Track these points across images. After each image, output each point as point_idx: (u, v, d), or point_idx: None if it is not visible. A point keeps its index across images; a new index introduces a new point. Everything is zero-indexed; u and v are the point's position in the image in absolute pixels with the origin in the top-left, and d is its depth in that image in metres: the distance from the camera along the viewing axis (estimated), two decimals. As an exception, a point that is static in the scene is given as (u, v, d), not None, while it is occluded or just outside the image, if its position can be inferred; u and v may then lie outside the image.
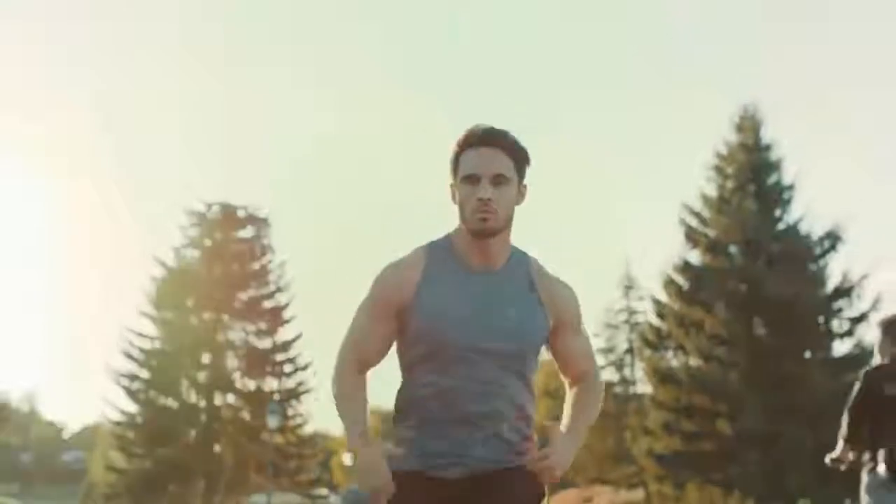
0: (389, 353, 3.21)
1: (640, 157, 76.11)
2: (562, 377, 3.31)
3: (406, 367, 3.16)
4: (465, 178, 3.08)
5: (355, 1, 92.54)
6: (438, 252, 3.15)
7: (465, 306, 3.05)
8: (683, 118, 74.31)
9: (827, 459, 6.22)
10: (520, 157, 3.11)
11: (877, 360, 6.18)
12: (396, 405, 3.20)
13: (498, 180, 3.05)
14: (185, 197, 51.56)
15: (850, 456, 6.05)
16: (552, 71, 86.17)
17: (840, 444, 6.09)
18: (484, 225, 3.05)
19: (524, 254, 3.20)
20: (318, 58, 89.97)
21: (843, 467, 6.10)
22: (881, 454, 5.80)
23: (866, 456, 5.93)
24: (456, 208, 3.15)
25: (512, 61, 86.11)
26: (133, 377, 36.61)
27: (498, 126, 3.15)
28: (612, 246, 73.14)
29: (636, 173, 76.40)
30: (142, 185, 79.12)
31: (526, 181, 3.17)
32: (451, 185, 3.15)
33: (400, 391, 3.20)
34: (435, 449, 3.09)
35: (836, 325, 30.16)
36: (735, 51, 76.42)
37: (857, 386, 6.04)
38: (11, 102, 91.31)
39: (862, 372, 6.10)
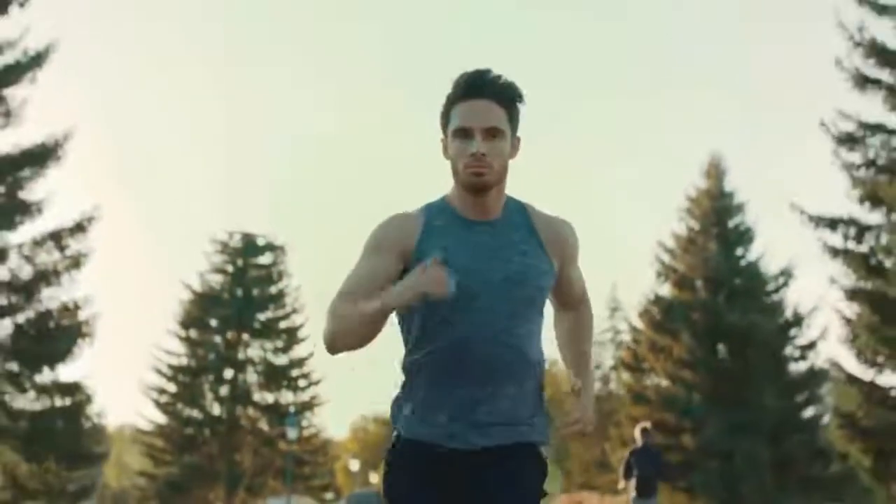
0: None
1: (635, 169, 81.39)
2: (552, 302, 3.41)
3: (408, 327, 3.17)
4: (456, 132, 3.08)
5: (355, 1, 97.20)
6: (436, 209, 3.18)
7: (469, 254, 3.09)
8: (682, 122, 79.69)
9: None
10: (512, 105, 3.12)
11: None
12: (403, 373, 3.22)
13: (491, 133, 3.06)
14: (209, 227, 57.23)
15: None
16: (552, 71, 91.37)
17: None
18: (478, 180, 3.06)
19: (519, 201, 3.24)
20: (318, 58, 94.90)
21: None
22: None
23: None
24: (447, 163, 3.13)
25: (512, 61, 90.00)
26: (161, 391, 42.16)
27: (489, 73, 3.12)
28: (601, 262, 78.63)
29: (631, 182, 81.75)
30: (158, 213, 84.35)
31: (519, 133, 3.16)
32: (442, 140, 3.16)
33: (405, 357, 3.21)
34: (441, 412, 3.11)
35: (789, 351, 36.05)
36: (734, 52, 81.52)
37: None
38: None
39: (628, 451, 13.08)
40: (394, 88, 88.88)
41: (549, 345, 3.32)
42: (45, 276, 22.01)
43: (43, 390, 22.29)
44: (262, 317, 43.25)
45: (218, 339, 42.79)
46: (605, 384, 45.78)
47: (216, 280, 43.49)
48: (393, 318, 3.11)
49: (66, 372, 22.90)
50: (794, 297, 39.83)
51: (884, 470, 20.55)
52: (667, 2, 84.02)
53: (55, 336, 22.10)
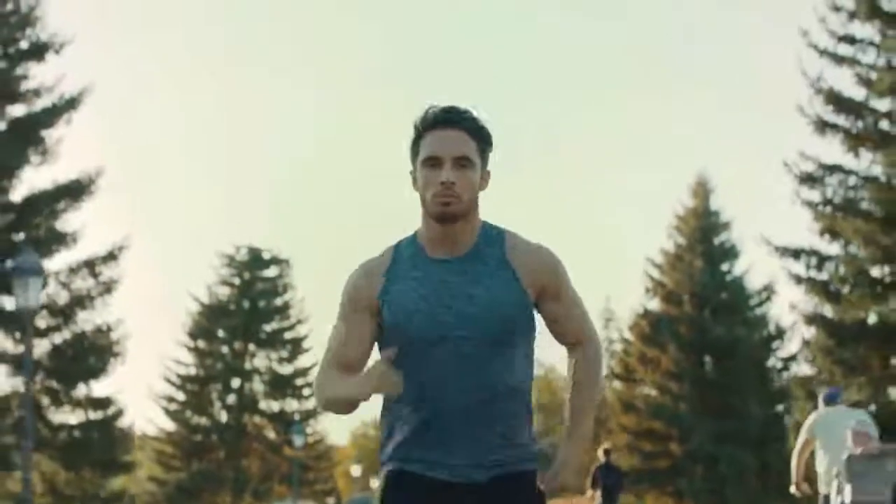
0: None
1: (636, 176, 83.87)
2: (556, 340, 3.29)
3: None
4: (425, 161, 3.07)
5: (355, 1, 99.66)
6: (404, 247, 3.16)
7: (428, 296, 3.07)
8: (684, 128, 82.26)
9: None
10: (483, 140, 3.12)
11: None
12: (380, 415, 3.25)
13: (461, 163, 3.05)
14: (215, 240, 60.05)
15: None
16: (553, 70, 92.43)
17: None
18: (446, 209, 3.04)
19: (498, 230, 3.19)
20: (319, 58, 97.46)
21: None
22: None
23: None
24: (416, 196, 3.13)
25: (512, 61, 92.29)
26: (171, 399, 44.64)
27: (460, 106, 3.14)
28: (598, 272, 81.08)
29: (631, 190, 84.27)
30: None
31: (489, 167, 3.16)
32: (411, 172, 3.15)
33: (383, 401, 3.21)
34: (418, 453, 3.11)
35: (772, 362, 38.80)
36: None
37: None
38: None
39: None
40: (395, 93, 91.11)
41: (545, 350, 3.26)
42: (81, 301, 24.75)
43: (78, 405, 25.04)
44: (267, 328, 45.81)
45: (225, 349, 45.34)
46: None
47: (224, 292, 45.99)
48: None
49: (99, 388, 25.47)
50: (777, 312, 42.55)
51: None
52: (667, 3, 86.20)
53: (89, 355, 24.83)
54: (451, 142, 3.06)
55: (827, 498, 9.78)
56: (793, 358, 38.29)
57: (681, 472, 37.32)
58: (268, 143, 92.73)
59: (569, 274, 3.22)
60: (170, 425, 44.63)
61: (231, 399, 45.07)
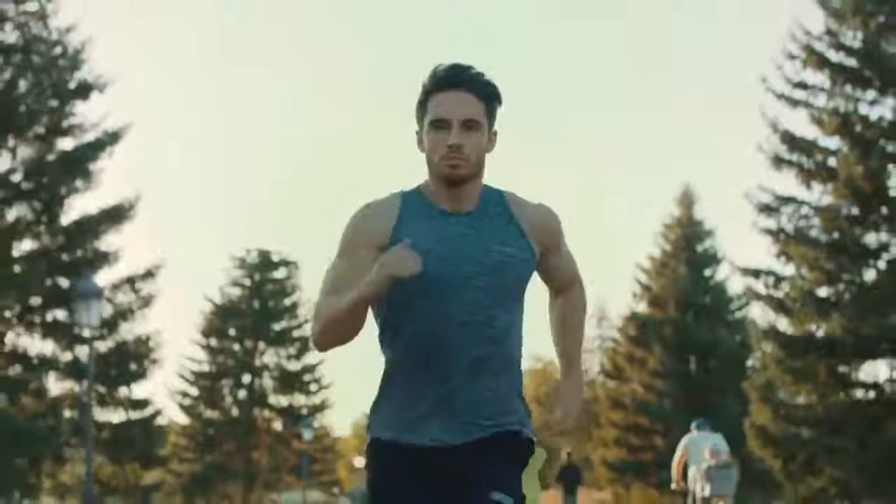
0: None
1: (634, 174, 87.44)
2: (548, 288, 3.46)
3: (385, 318, 3.22)
4: (433, 123, 3.14)
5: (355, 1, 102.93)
6: (412, 197, 3.23)
7: (445, 244, 3.14)
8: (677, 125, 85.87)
9: None
10: (491, 101, 3.19)
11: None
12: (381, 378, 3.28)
13: (468, 125, 3.11)
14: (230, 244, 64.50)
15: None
16: (553, 70, 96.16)
17: None
18: (454, 172, 3.12)
19: (497, 190, 3.28)
20: (319, 58, 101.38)
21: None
22: None
23: None
24: (423, 157, 3.20)
25: (512, 61, 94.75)
26: (185, 394, 47.89)
27: (468, 66, 3.20)
28: (592, 270, 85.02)
29: (628, 188, 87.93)
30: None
31: (496, 128, 3.22)
32: (418, 132, 3.22)
33: (384, 360, 3.26)
34: (415, 410, 3.17)
35: (751, 363, 42.86)
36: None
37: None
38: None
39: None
40: (397, 94, 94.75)
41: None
42: (123, 314, 28.86)
43: (121, 405, 29.22)
44: (276, 326, 49.30)
45: (237, 347, 48.91)
46: (592, 390, 52.32)
47: (235, 293, 49.59)
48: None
49: (138, 390, 29.74)
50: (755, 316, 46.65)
51: (789, 470, 27.33)
52: (667, 3, 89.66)
53: (130, 362, 28.99)
54: (459, 104, 3.12)
55: (694, 493, 15.07)
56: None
57: (665, 465, 41.32)
58: (271, 150, 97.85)
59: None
60: (184, 419, 48.03)
61: (242, 394, 48.61)
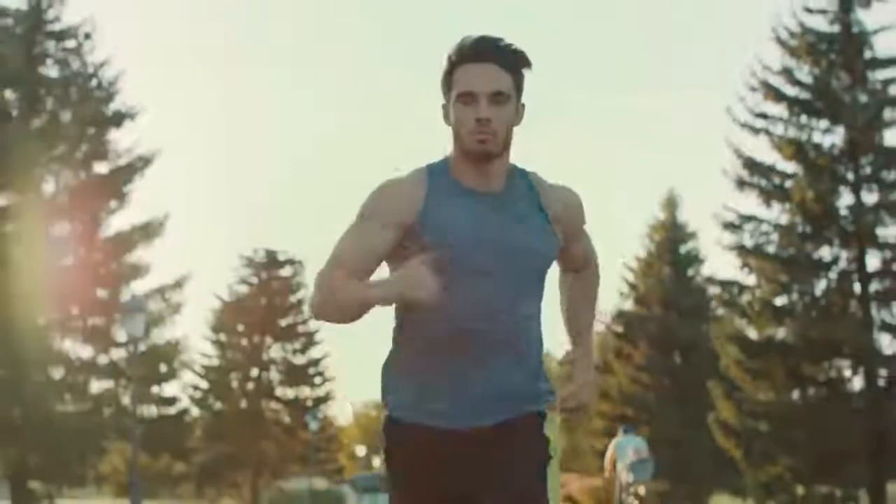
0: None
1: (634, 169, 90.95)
2: (559, 266, 3.53)
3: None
4: (460, 97, 3.17)
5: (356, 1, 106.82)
6: (439, 174, 3.26)
7: (476, 225, 3.18)
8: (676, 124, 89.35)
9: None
10: (518, 71, 3.23)
11: None
12: (394, 345, 3.35)
13: (496, 98, 3.15)
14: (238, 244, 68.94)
15: None
16: (553, 71, 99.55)
17: None
18: (483, 147, 3.15)
19: (523, 170, 3.35)
20: (318, 58, 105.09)
21: None
22: None
23: None
24: (449, 130, 3.23)
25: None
26: (195, 387, 51.38)
27: (496, 37, 3.21)
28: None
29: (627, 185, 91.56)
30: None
31: (524, 100, 3.27)
32: (444, 105, 3.26)
33: (397, 329, 3.33)
34: (438, 392, 3.23)
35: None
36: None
37: None
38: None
39: None
40: (397, 85, 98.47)
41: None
42: (154, 321, 33.28)
43: (153, 402, 33.77)
44: (283, 322, 52.90)
45: (245, 342, 52.42)
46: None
47: (243, 291, 53.28)
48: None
49: (168, 389, 34.36)
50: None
51: (749, 459, 31.81)
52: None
53: (162, 363, 33.49)
54: (486, 76, 3.16)
55: (621, 480, 19.98)
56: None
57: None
58: (274, 153, 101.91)
59: None
60: (194, 411, 50.74)
61: (250, 387, 52.11)
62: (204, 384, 52.10)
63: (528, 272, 3.28)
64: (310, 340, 53.72)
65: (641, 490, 20.13)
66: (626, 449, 20.09)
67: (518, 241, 3.24)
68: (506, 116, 3.20)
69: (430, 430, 3.27)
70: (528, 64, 3.25)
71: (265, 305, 53.05)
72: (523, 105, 3.28)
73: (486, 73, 3.17)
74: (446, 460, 3.26)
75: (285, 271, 54.25)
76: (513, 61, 3.23)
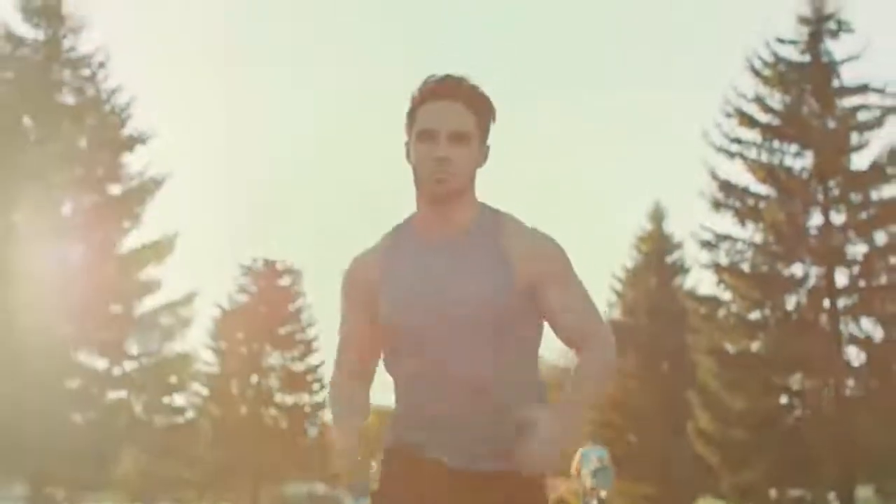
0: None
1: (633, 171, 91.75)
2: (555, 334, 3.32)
3: (385, 362, 3.35)
4: (420, 134, 3.15)
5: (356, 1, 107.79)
6: (401, 232, 3.29)
7: (422, 283, 3.18)
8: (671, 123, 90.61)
9: None
10: (483, 112, 3.20)
11: None
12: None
13: (458, 137, 3.13)
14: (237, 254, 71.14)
15: None
16: (554, 70, 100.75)
17: None
18: (440, 188, 3.14)
19: (496, 212, 3.28)
20: (318, 58, 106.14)
21: None
22: None
23: None
24: (410, 170, 3.22)
25: (513, 61, 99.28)
26: (196, 394, 52.64)
27: (461, 76, 3.20)
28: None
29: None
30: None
31: (489, 142, 3.22)
32: (406, 143, 3.23)
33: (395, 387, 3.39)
34: (419, 433, 3.27)
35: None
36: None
37: None
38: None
39: None
40: (398, 90, 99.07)
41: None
42: (164, 335, 35.85)
43: (164, 411, 36.35)
44: (281, 330, 54.49)
45: (244, 349, 54.01)
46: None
47: (242, 299, 55.16)
48: None
49: (178, 399, 36.90)
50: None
51: (726, 465, 34.42)
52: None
53: (171, 374, 36.09)
54: (448, 115, 3.14)
55: (585, 485, 22.27)
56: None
57: (636, 459, 48.17)
58: (276, 163, 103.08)
59: (572, 266, 3.24)
60: (196, 417, 54.09)
61: (249, 393, 53.91)
62: (205, 391, 53.85)
63: (473, 320, 3.20)
64: (308, 348, 55.47)
65: (603, 494, 22.49)
66: (591, 457, 22.37)
67: (459, 290, 3.19)
68: (466, 157, 3.17)
69: (414, 460, 3.31)
70: (492, 112, 3.26)
71: (264, 314, 54.78)
72: (488, 147, 3.26)
73: (448, 111, 3.17)
74: (428, 491, 3.29)
75: (284, 280, 56.12)
76: (476, 101, 3.22)
